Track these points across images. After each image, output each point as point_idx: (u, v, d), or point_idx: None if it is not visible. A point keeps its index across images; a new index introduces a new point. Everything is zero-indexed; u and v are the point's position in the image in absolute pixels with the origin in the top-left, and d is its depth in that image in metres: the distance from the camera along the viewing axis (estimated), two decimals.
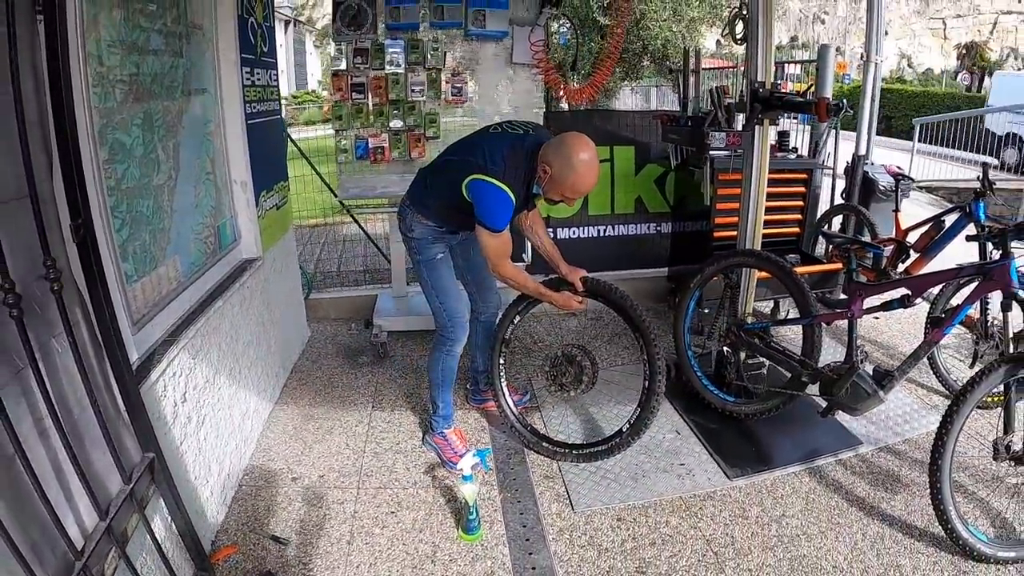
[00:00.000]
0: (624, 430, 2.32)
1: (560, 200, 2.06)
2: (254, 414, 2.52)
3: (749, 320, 2.58)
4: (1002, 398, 1.89)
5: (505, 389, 2.53)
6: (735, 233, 2.71)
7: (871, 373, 2.12)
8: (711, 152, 2.99)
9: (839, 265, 2.99)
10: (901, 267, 3.24)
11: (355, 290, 3.90)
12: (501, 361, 2.53)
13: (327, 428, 2.61)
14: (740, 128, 2.84)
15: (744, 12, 2.44)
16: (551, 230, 3.60)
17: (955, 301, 2.59)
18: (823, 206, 3.81)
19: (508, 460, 2.40)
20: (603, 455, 2.33)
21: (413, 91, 3.26)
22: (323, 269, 4.62)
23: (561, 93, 3.62)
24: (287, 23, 17.90)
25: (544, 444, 2.41)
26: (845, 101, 2.32)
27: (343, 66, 3.20)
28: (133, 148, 1.78)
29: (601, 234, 3.83)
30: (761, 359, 2.58)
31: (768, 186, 3.13)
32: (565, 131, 2.06)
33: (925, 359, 2.22)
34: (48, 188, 1.29)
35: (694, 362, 2.64)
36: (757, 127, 2.41)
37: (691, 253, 3.48)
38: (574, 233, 3.80)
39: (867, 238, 3.41)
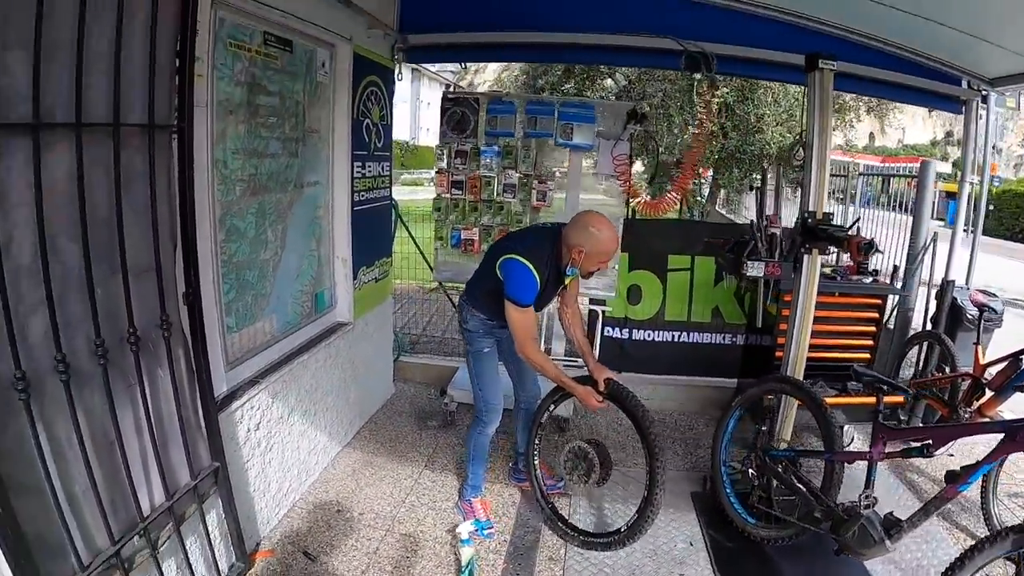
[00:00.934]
0: (622, 530, 2.50)
1: (595, 270, 2.41)
2: (322, 451, 3.10)
3: (781, 446, 2.66)
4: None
5: (538, 467, 2.83)
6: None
7: (882, 519, 2.08)
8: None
9: (871, 399, 2.94)
10: (975, 404, 3.01)
11: (442, 359, 4.46)
12: (536, 442, 2.84)
13: (380, 475, 3.09)
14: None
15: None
16: (628, 330, 3.92)
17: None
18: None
19: (523, 537, 2.68)
20: (601, 547, 2.53)
21: (504, 193, 3.84)
22: (426, 333, 5.27)
23: (640, 205, 3.94)
24: (447, 86, 20.27)
25: (558, 524, 2.66)
26: (875, 240, 2.47)
27: (444, 164, 3.88)
28: (246, 231, 2.50)
29: (676, 339, 4.05)
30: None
31: (837, 310, 3.39)
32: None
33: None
34: (171, 264, 1.96)
35: (726, 478, 2.72)
36: (806, 256, 2.58)
37: (760, 367, 3.57)
38: (649, 335, 4.06)
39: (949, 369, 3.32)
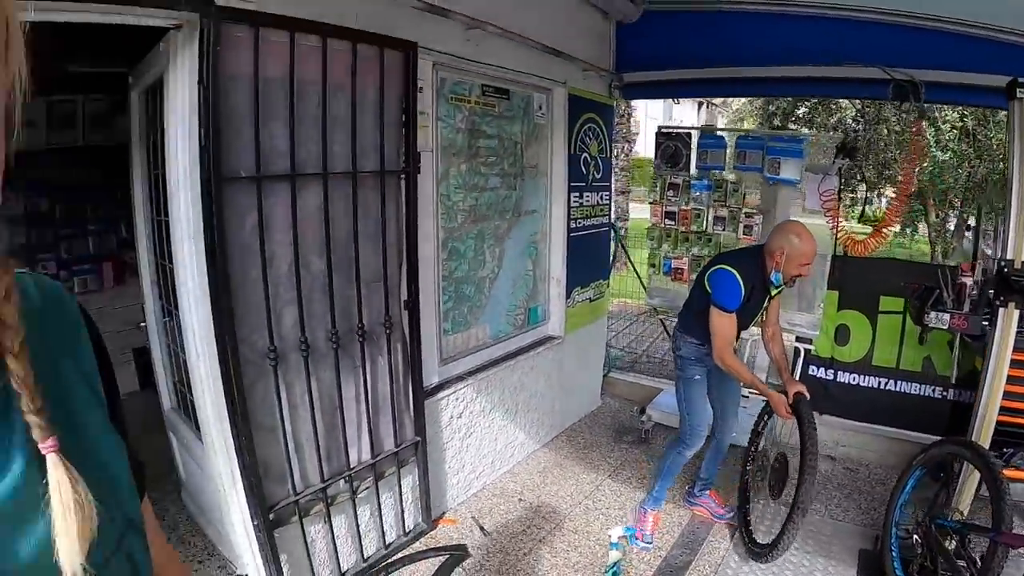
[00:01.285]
0: (768, 544, 2.56)
1: (797, 275, 2.53)
2: (518, 447, 3.51)
3: (955, 516, 2.34)
4: None
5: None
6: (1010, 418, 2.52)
7: None
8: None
9: None
10: None
11: (648, 379, 4.55)
12: (748, 467, 2.96)
13: (566, 476, 3.38)
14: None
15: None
16: (833, 371, 3.66)
17: None
18: None
19: (678, 557, 2.74)
20: (753, 557, 2.64)
21: (714, 225, 3.85)
22: (636, 351, 5.39)
23: (847, 242, 3.59)
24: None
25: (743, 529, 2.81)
26: None
27: (658, 195, 4.02)
28: (465, 252, 3.04)
29: (882, 386, 3.64)
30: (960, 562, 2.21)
31: None
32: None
33: None
34: (396, 277, 2.54)
35: (894, 540, 2.45)
36: (1001, 309, 2.21)
37: (965, 426, 2.99)
38: (854, 379, 3.70)
39: None
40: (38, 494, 0.41)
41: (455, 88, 2.86)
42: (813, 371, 3.80)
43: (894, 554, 2.43)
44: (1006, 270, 2.44)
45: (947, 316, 2.76)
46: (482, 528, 2.87)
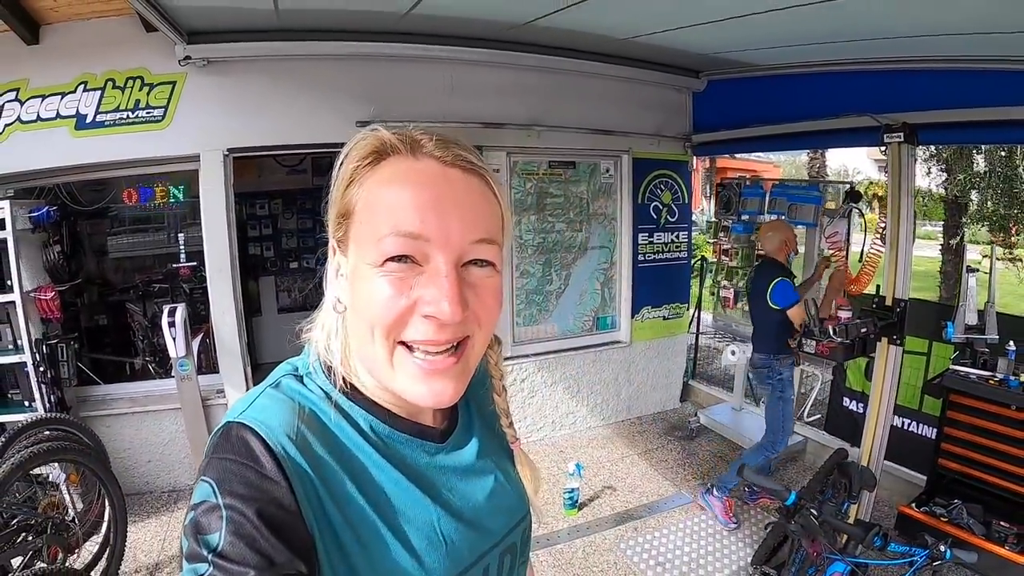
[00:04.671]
0: None
1: (790, 249, 4.18)
2: (580, 418, 5.66)
3: None
4: None
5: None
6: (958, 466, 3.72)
7: None
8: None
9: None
10: None
11: (721, 391, 6.21)
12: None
13: (606, 446, 5.40)
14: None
15: None
16: (865, 406, 4.59)
17: None
18: None
19: (640, 511, 4.63)
20: None
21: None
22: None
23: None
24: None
25: None
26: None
27: (714, 237, 5.91)
28: (534, 273, 5.44)
29: (905, 426, 4.56)
30: None
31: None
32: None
33: None
34: None
35: None
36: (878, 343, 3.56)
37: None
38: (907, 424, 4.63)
39: None
40: (495, 465, 0.97)
41: (525, 166, 5.33)
42: (846, 402, 5.10)
43: None
44: (875, 305, 3.49)
45: (814, 343, 3.66)
46: None
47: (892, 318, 3.40)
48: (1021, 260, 9.63)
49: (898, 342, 3.52)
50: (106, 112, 4.05)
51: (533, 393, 5.44)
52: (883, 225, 3.71)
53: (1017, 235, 9.09)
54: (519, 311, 5.41)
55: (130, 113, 4.08)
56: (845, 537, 2.82)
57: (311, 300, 7.06)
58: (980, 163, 8.26)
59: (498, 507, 0.94)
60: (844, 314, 3.71)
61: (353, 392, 0.84)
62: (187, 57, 3.97)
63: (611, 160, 5.70)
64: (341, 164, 0.82)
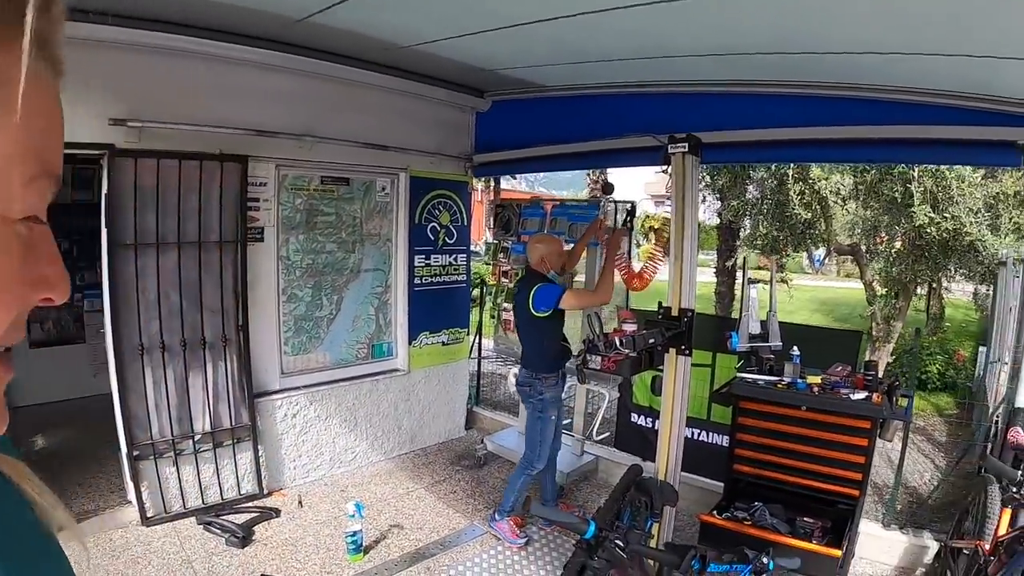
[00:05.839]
0: None
1: (562, 264, 4.47)
2: (361, 453, 5.57)
3: None
4: None
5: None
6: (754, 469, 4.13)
7: None
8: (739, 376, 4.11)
9: None
10: None
11: (506, 415, 6.52)
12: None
13: (389, 482, 5.37)
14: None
15: None
16: (652, 420, 5.15)
17: None
18: None
19: (432, 548, 4.66)
20: None
21: None
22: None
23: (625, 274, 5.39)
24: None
25: None
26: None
27: (493, 258, 6.21)
28: (303, 297, 5.27)
29: (694, 436, 5.01)
30: None
31: (820, 429, 3.88)
32: None
33: None
34: (233, 308, 4.78)
35: None
36: (665, 355, 3.77)
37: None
38: (697, 435, 5.11)
39: None
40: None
41: (295, 181, 5.17)
42: (634, 418, 5.58)
43: None
44: (660, 316, 3.68)
45: (599, 359, 3.66)
46: (300, 502, 4.91)
47: (680, 327, 3.65)
48: (786, 282, 11.40)
49: (686, 352, 3.71)
50: None
51: (306, 429, 5.24)
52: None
53: (786, 257, 10.59)
54: (287, 339, 5.20)
55: None
56: (657, 565, 2.79)
57: (68, 333, 6.86)
58: (752, 191, 9.53)
59: None
60: (629, 327, 3.80)
61: None
62: None
63: (388, 178, 5.74)
64: None
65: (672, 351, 3.71)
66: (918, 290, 10.90)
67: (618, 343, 3.55)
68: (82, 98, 3.85)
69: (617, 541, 2.41)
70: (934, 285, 11.32)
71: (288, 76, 4.73)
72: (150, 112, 4.11)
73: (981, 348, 9.59)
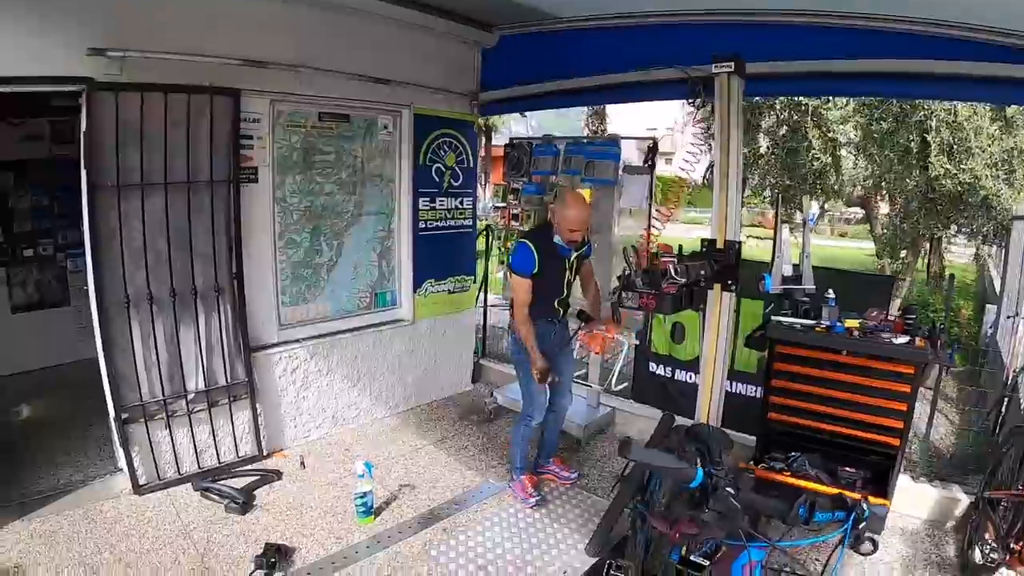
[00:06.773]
0: None
1: (569, 234, 3.71)
2: (364, 410, 5.29)
3: None
4: None
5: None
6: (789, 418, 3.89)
7: None
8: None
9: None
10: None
11: (510, 368, 6.18)
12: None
13: (395, 439, 5.09)
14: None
15: None
16: (671, 369, 5.19)
17: None
18: None
19: (445, 508, 4.42)
20: None
21: None
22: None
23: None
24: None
25: None
26: None
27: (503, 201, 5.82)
28: (301, 243, 4.88)
29: None
30: None
31: (860, 375, 3.65)
32: None
33: None
34: (225, 255, 4.37)
35: None
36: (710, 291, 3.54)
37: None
38: (690, 377, 5.06)
39: None
40: None
41: (292, 117, 4.73)
42: (652, 368, 5.33)
43: None
44: (704, 249, 3.48)
45: (636, 295, 3.41)
46: (302, 462, 4.63)
47: (728, 260, 3.43)
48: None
49: (732, 287, 3.55)
50: None
51: (307, 385, 4.93)
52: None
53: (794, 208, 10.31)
54: (284, 288, 4.84)
55: None
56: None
57: (51, 295, 6.39)
58: (761, 142, 9.14)
59: None
60: (668, 261, 3.50)
61: None
62: None
63: (390, 116, 5.31)
64: None
65: (717, 287, 3.50)
66: (925, 245, 10.69)
67: (672, 270, 3.30)
68: (55, 25, 3.42)
69: (728, 490, 2.04)
70: (935, 243, 11.17)
71: (284, 2, 4.30)
72: (133, 40, 3.66)
73: (989, 306, 9.43)
